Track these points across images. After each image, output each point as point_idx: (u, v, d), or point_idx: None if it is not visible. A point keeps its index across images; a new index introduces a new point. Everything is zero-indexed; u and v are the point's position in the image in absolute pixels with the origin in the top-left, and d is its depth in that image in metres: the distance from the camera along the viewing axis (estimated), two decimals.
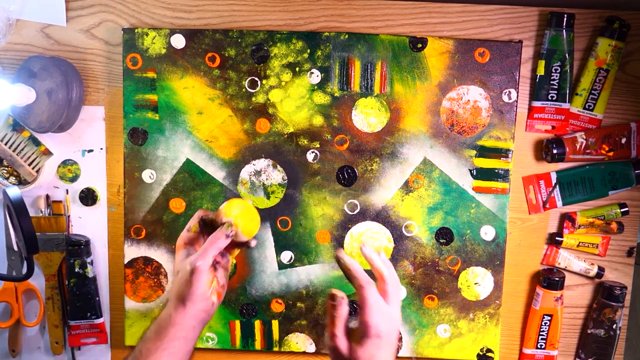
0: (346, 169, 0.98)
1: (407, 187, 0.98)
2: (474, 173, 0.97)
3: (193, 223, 0.79)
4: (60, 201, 1.01)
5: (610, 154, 0.96)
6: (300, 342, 1.01)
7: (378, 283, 0.73)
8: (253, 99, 0.97)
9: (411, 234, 0.99)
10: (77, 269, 0.99)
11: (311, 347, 1.01)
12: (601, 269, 0.99)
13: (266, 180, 0.98)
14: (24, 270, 0.90)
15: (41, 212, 1.00)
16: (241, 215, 0.77)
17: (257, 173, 0.98)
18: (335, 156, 0.98)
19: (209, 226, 0.79)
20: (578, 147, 0.95)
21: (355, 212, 0.99)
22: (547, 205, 0.99)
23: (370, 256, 0.74)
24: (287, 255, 1.00)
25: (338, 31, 0.96)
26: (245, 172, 0.98)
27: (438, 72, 0.96)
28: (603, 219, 0.98)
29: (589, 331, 1.00)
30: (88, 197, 1.00)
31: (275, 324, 1.01)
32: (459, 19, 0.96)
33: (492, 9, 0.96)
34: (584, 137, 0.95)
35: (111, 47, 0.98)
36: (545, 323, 0.99)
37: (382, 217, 0.99)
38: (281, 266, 1.00)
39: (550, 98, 0.95)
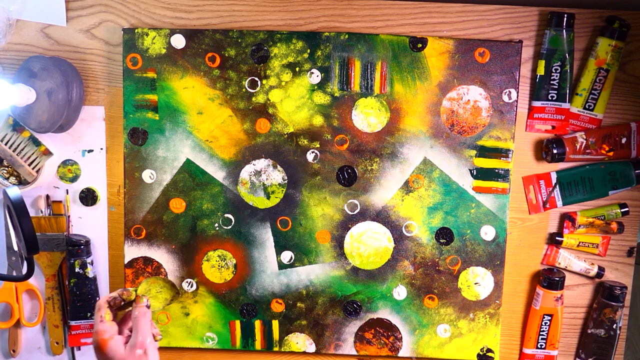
0: (346, 169, 0.98)
1: (407, 187, 0.98)
2: (474, 173, 0.97)
3: (103, 313, 0.76)
4: (60, 201, 1.01)
5: (611, 154, 0.96)
6: (300, 342, 1.01)
7: None
8: (253, 99, 0.97)
9: (411, 234, 0.99)
10: (77, 269, 0.99)
11: (311, 347, 1.01)
12: (601, 269, 0.99)
13: (266, 180, 0.99)
14: (24, 270, 0.90)
15: (41, 212, 1.00)
16: (149, 288, 0.81)
17: (257, 173, 0.98)
18: (335, 156, 0.98)
19: (117, 309, 0.79)
20: (578, 147, 0.95)
21: (355, 212, 0.99)
22: (547, 205, 0.99)
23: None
24: (287, 255, 1.00)
25: (338, 31, 0.96)
26: (246, 172, 0.98)
27: (438, 72, 0.96)
28: (603, 219, 0.98)
29: (589, 331, 1.00)
30: (88, 197, 1.00)
31: (275, 324, 1.01)
32: (459, 19, 0.96)
33: (492, 9, 0.96)
34: (584, 137, 0.95)
35: (111, 47, 0.98)
36: (546, 323, 0.99)
37: (382, 217, 0.99)
38: (281, 266, 1.00)
39: (550, 98, 0.95)
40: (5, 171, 0.98)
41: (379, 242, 0.99)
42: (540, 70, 0.95)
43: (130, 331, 0.78)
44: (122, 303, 0.78)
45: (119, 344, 0.73)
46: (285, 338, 1.01)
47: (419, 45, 0.95)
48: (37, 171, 0.97)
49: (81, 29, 0.98)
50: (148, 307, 0.77)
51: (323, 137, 0.97)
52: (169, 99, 0.97)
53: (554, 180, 0.98)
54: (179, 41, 0.96)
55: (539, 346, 1.01)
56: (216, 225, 0.99)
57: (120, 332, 0.76)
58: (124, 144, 0.98)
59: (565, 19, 0.92)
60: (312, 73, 0.96)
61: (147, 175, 0.99)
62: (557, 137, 0.96)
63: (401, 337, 1.01)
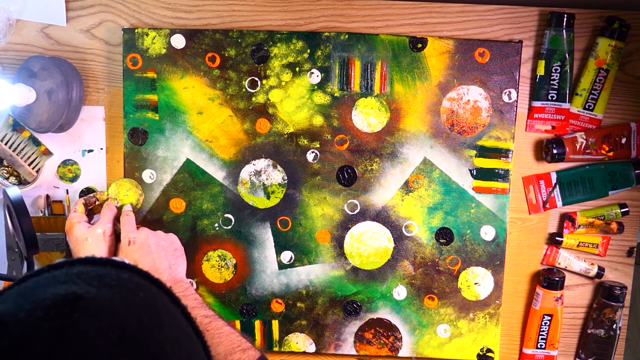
0: (346, 169, 0.98)
1: (407, 187, 0.98)
2: (474, 173, 0.97)
3: (77, 205, 0.93)
4: (61, 201, 1.01)
5: (610, 154, 0.96)
6: (300, 342, 1.01)
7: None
8: (253, 99, 0.97)
9: (411, 234, 0.99)
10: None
11: (311, 347, 1.01)
12: (601, 269, 0.99)
13: (266, 180, 0.99)
14: (24, 270, 0.90)
15: (41, 212, 1.00)
16: (118, 190, 0.97)
17: (257, 173, 0.98)
18: (335, 156, 0.98)
19: (88, 208, 0.95)
20: (578, 147, 0.95)
21: (355, 212, 0.99)
22: (547, 205, 0.99)
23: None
24: (287, 255, 1.00)
25: (338, 31, 0.96)
26: (246, 172, 0.98)
27: (438, 72, 0.96)
28: (603, 219, 0.97)
29: (589, 331, 1.00)
30: None
31: (275, 324, 1.01)
32: (459, 19, 0.96)
33: (492, 9, 0.96)
34: (584, 137, 0.95)
35: (111, 47, 0.98)
36: (545, 323, 0.99)
37: (382, 217, 0.99)
38: (281, 266, 1.00)
39: (550, 98, 0.95)
40: (5, 171, 0.97)
41: (378, 242, 0.99)
42: (540, 70, 0.95)
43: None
44: (96, 202, 0.95)
45: (83, 227, 0.89)
46: (285, 338, 1.01)
47: (419, 45, 0.95)
48: (37, 171, 0.97)
49: (81, 29, 0.98)
50: (116, 207, 0.94)
51: (323, 137, 0.97)
52: (169, 99, 0.97)
53: (553, 180, 0.98)
54: (179, 41, 0.96)
55: (539, 346, 1.01)
56: (216, 225, 0.99)
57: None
58: (124, 144, 0.98)
59: (565, 19, 0.92)
60: (312, 73, 0.96)
61: (147, 175, 0.99)
62: (557, 137, 0.96)
63: (401, 337, 1.01)
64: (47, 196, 1.00)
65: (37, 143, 0.96)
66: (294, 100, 0.97)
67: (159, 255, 0.89)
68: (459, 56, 0.95)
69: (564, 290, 0.99)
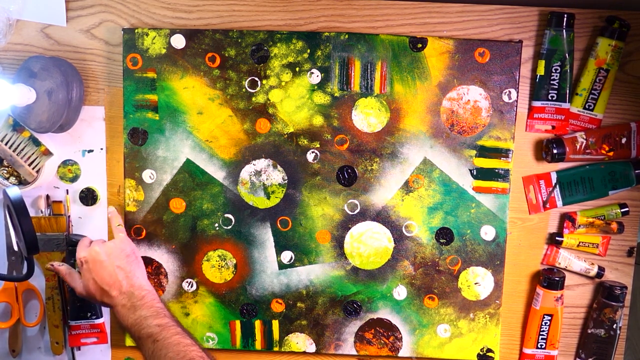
0: (346, 169, 0.98)
1: (407, 187, 0.98)
2: (474, 173, 0.97)
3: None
4: (61, 201, 1.01)
5: (610, 154, 0.96)
6: (301, 342, 1.01)
7: None
8: (253, 99, 0.97)
9: (411, 234, 0.99)
10: (77, 269, 0.99)
11: (311, 347, 1.01)
12: (601, 269, 0.99)
13: (266, 180, 0.99)
14: (24, 270, 0.90)
15: (41, 212, 1.00)
16: None
17: (257, 173, 0.98)
18: (336, 156, 0.98)
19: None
20: (578, 147, 0.95)
21: (355, 212, 0.99)
22: (547, 205, 0.99)
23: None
24: (287, 255, 1.00)
25: (338, 31, 0.96)
26: (246, 172, 0.99)
27: (438, 72, 0.96)
28: (603, 219, 0.98)
29: (589, 331, 1.00)
30: (88, 197, 1.01)
31: (275, 324, 1.01)
32: (459, 19, 0.96)
33: (492, 9, 0.96)
34: (584, 137, 0.95)
35: (111, 47, 0.98)
36: (546, 323, 0.99)
37: (382, 217, 0.99)
38: (281, 266, 1.00)
39: (550, 98, 0.95)
40: (5, 171, 0.98)
41: (379, 242, 0.99)
42: (540, 70, 0.95)
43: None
44: None
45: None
46: (285, 338, 1.01)
47: (419, 45, 0.95)
48: (37, 171, 0.97)
49: (81, 29, 0.98)
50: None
51: (323, 137, 0.97)
52: (169, 99, 0.97)
53: (554, 180, 0.98)
54: (179, 41, 0.96)
55: (539, 346, 1.01)
56: (216, 225, 0.99)
57: None
58: (124, 144, 0.98)
59: (565, 19, 0.92)
60: (312, 73, 0.96)
61: (147, 175, 0.99)
62: (557, 137, 0.96)
63: (401, 337, 1.01)
64: (47, 196, 1.01)
65: (37, 143, 0.96)
66: (294, 100, 0.97)
67: (112, 267, 0.91)
68: (459, 56, 0.95)
69: (564, 290, 0.99)
